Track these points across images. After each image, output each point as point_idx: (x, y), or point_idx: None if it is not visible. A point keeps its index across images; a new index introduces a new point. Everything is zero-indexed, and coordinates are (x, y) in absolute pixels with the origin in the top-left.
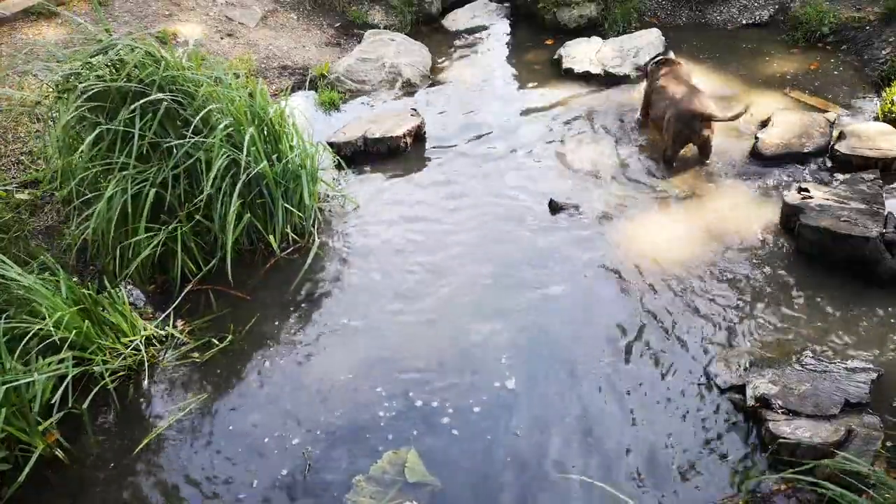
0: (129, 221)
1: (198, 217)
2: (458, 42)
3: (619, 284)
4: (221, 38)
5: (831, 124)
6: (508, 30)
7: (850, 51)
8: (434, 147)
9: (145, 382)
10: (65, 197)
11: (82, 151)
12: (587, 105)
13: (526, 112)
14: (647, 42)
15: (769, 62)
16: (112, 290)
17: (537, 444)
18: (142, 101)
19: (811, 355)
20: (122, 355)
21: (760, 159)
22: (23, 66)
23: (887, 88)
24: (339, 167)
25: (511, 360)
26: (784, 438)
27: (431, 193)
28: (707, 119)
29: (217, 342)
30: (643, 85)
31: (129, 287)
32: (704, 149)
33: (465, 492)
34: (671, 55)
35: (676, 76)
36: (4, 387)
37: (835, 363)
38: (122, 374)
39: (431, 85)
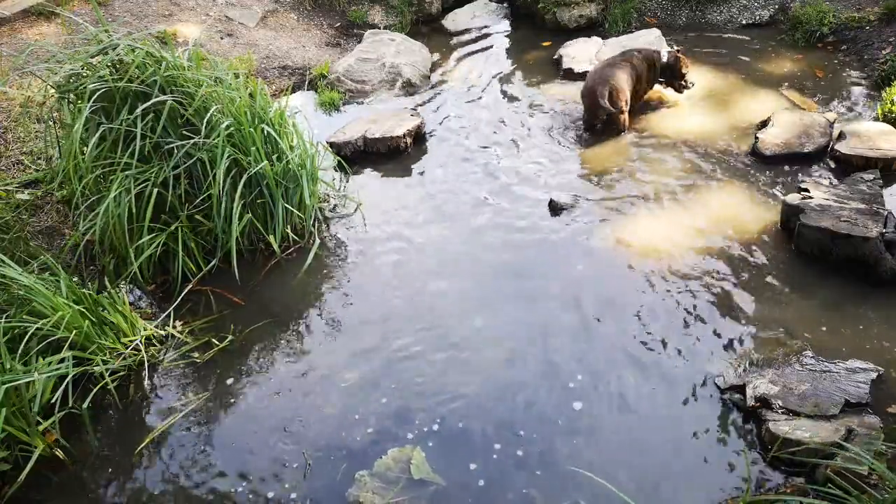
0: (132, 221)
1: (198, 217)
2: (457, 42)
3: (618, 284)
4: (221, 38)
5: (831, 124)
6: (508, 30)
7: (850, 51)
8: (434, 147)
9: (145, 382)
10: (65, 197)
11: (85, 152)
12: None
13: (526, 112)
14: (647, 42)
15: (769, 62)
16: (112, 290)
17: (537, 443)
18: (148, 104)
19: (811, 355)
20: (122, 355)
21: (760, 159)
22: (23, 66)
23: (887, 88)
24: (339, 167)
25: (503, 357)
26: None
27: (432, 193)
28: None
29: (217, 342)
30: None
31: (129, 287)
32: (611, 125)
33: (467, 492)
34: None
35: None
36: (4, 387)
37: (835, 363)
38: (122, 373)
39: (431, 85)
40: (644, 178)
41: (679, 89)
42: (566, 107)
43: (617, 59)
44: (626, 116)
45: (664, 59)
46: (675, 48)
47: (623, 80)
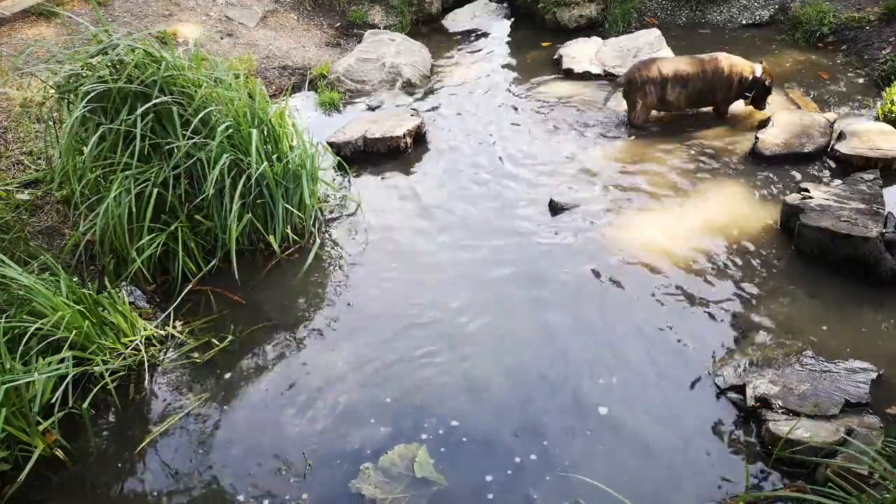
0: (132, 221)
1: (198, 217)
2: (458, 42)
3: (617, 284)
4: (221, 38)
5: (831, 124)
6: (508, 30)
7: (850, 51)
8: (434, 147)
9: (145, 382)
10: (65, 197)
11: (84, 151)
12: (587, 105)
13: (526, 112)
14: (647, 42)
15: (769, 62)
16: (112, 290)
17: (539, 446)
18: (148, 106)
19: (811, 355)
20: (123, 355)
21: (760, 159)
22: (23, 66)
23: (887, 88)
24: (339, 167)
25: (505, 359)
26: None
27: (432, 193)
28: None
29: (217, 342)
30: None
31: (129, 287)
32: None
33: (470, 494)
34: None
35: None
36: (4, 387)
37: (835, 363)
38: (122, 374)
39: (431, 85)
40: (644, 178)
41: (761, 107)
42: (566, 107)
43: (682, 57)
44: (636, 112)
45: (757, 73)
46: (763, 63)
47: (651, 78)
